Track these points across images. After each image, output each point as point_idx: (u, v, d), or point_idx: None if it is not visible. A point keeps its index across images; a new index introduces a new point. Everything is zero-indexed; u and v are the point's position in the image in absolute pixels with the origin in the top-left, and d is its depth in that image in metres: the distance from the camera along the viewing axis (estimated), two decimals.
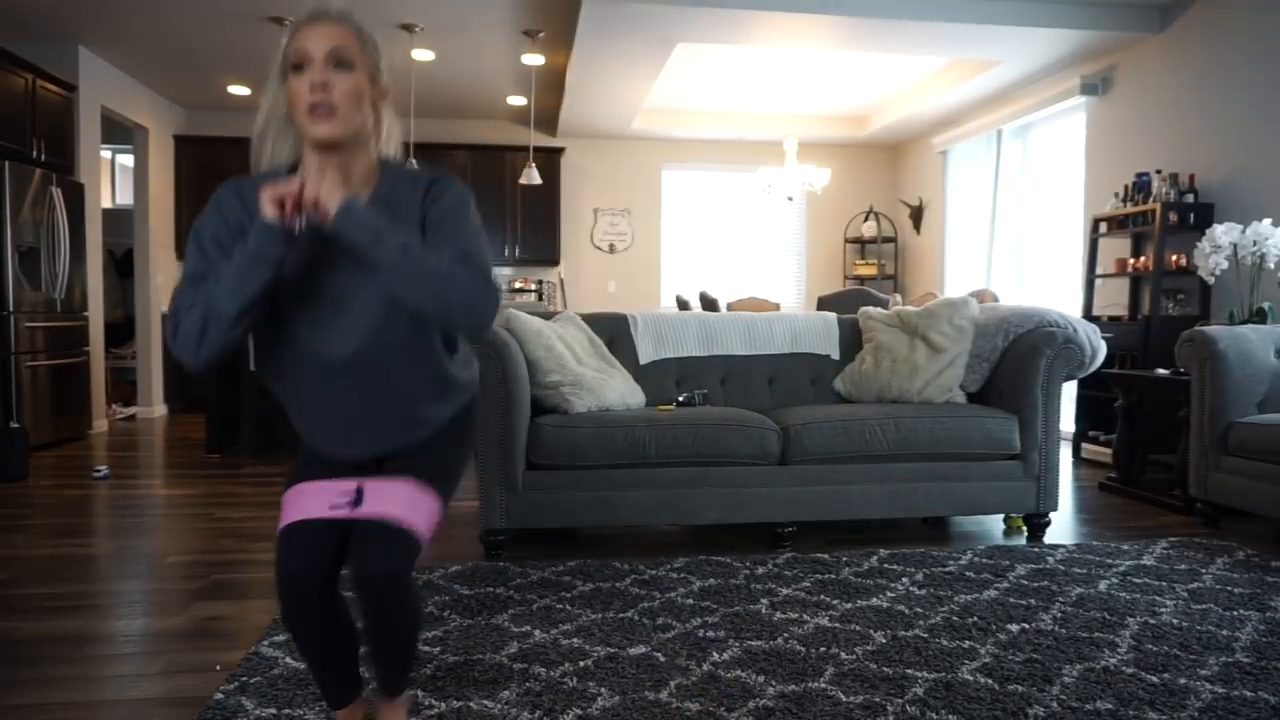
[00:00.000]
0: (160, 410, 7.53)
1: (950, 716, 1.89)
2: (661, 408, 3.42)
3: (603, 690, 2.02)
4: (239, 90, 7.49)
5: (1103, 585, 2.79)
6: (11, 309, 5.36)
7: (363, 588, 1.47)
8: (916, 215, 8.45)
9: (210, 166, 7.97)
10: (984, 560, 3.08)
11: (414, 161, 1.45)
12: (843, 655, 2.22)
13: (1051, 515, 3.50)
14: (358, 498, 1.49)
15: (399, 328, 1.47)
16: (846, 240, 8.87)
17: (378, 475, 1.55)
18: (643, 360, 3.69)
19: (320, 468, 1.59)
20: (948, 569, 2.97)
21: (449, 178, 1.55)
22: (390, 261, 1.35)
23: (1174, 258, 4.93)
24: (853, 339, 3.90)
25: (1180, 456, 3.88)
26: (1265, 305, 4.01)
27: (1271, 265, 4.00)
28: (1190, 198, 4.91)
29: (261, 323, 1.47)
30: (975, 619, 2.49)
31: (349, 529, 1.52)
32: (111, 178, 8.64)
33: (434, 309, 1.39)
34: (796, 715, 1.90)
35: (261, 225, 1.35)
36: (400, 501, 1.50)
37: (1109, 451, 4.86)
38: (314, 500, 1.51)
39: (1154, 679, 2.08)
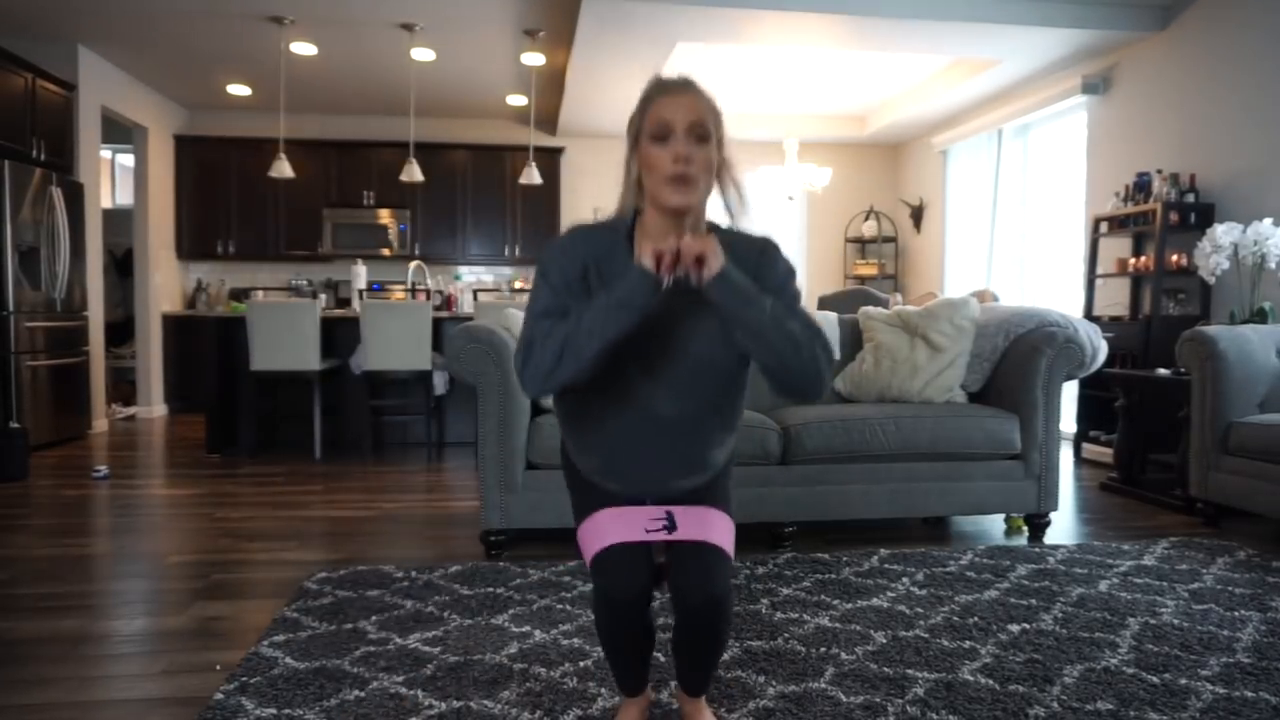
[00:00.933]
0: (160, 410, 7.53)
1: (951, 717, 1.89)
2: None
3: (603, 690, 2.01)
4: (239, 90, 7.49)
5: (1103, 585, 2.79)
6: (11, 309, 5.36)
7: (691, 609, 1.62)
8: (917, 215, 8.45)
9: (210, 166, 7.98)
10: (984, 560, 3.08)
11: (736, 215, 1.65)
12: (843, 655, 2.22)
13: (1052, 515, 3.50)
14: (670, 522, 1.62)
15: (721, 382, 1.61)
16: (847, 240, 8.87)
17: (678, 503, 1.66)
18: None
19: (602, 497, 1.68)
20: (948, 569, 2.97)
21: (777, 244, 1.65)
22: (759, 325, 1.47)
23: (1174, 257, 4.93)
24: (853, 339, 3.90)
25: (1181, 456, 3.88)
26: (1266, 305, 4.00)
27: (1272, 265, 3.99)
28: (1191, 197, 4.91)
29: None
30: (976, 619, 2.49)
31: (648, 548, 1.66)
32: (111, 178, 8.64)
33: (784, 371, 1.50)
34: (796, 715, 1.89)
35: (639, 273, 1.43)
36: (712, 526, 1.64)
37: (1110, 451, 4.85)
38: (625, 526, 1.63)
39: (1155, 679, 2.08)
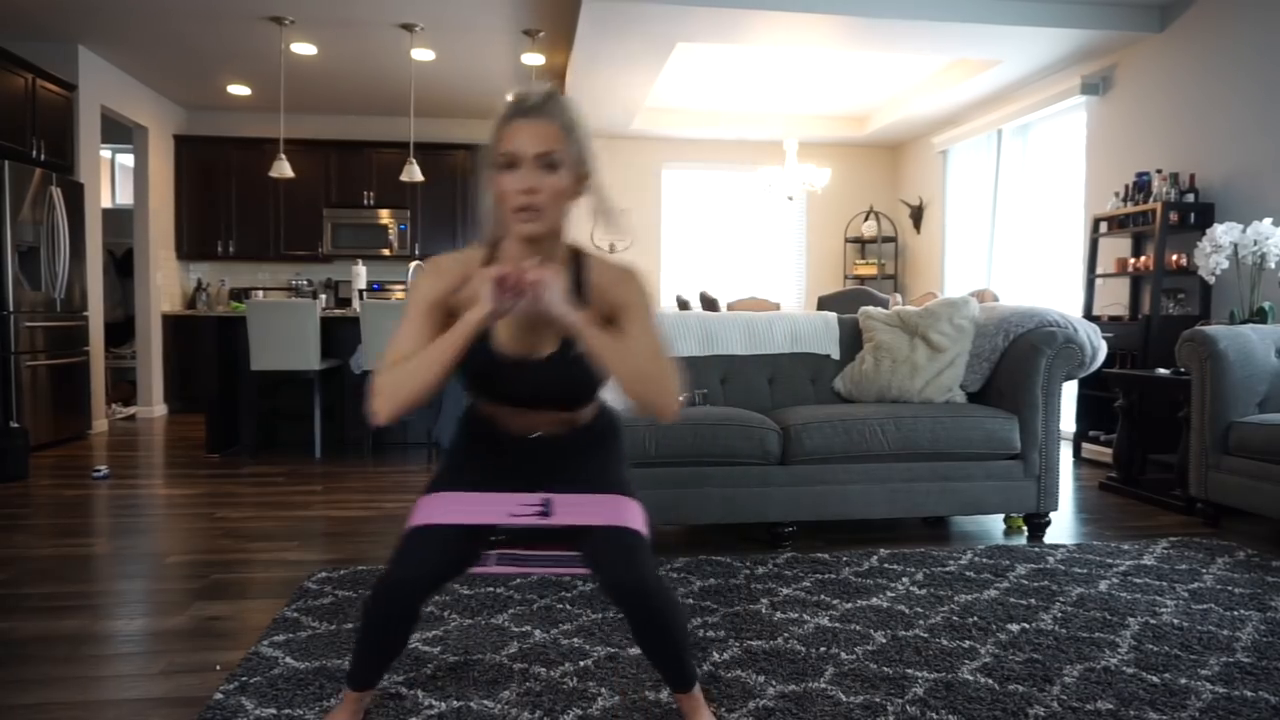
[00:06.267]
0: (160, 410, 7.53)
1: (950, 716, 1.89)
2: None
3: (603, 690, 2.01)
4: (239, 90, 7.49)
5: (1103, 585, 2.79)
6: (11, 309, 5.36)
7: (622, 600, 1.57)
8: (916, 215, 8.45)
9: (210, 166, 7.98)
10: (984, 560, 3.08)
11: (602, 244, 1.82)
12: (843, 655, 2.22)
13: (1052, 515, 3.50)
14: (546, 508, 1.59)
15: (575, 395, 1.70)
16: (846, 240, 8.87)
17: (558, 488, 1.65)
18: None
19: (472, 478, 1.68)
20: (948, 569, 2.97)
21: (636, 272, 1.68)
22: (604, 350, 1.53)
23: (1174, 257, 4.93)
24: (853, 339, 3.90)
25: (1180, 456, 3.88)
26: (1265, 305, 4.00)
27: (1272, 265, 3.99)
28: (1190, 197, 4.91)
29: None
30: (975, 619, 2.49)
31: (478, 539, 1.65)
32: (111, 178, 8.64)
33: (633, 395, 1.55)
34: (796, 715, 1.90)
35: (471, 315, 1.50)
36: (608, 510, 1.60)
37: (1109, 451, 4.85)
38: (481, 509, 1.61)
39: (1154, 679, 2.08)
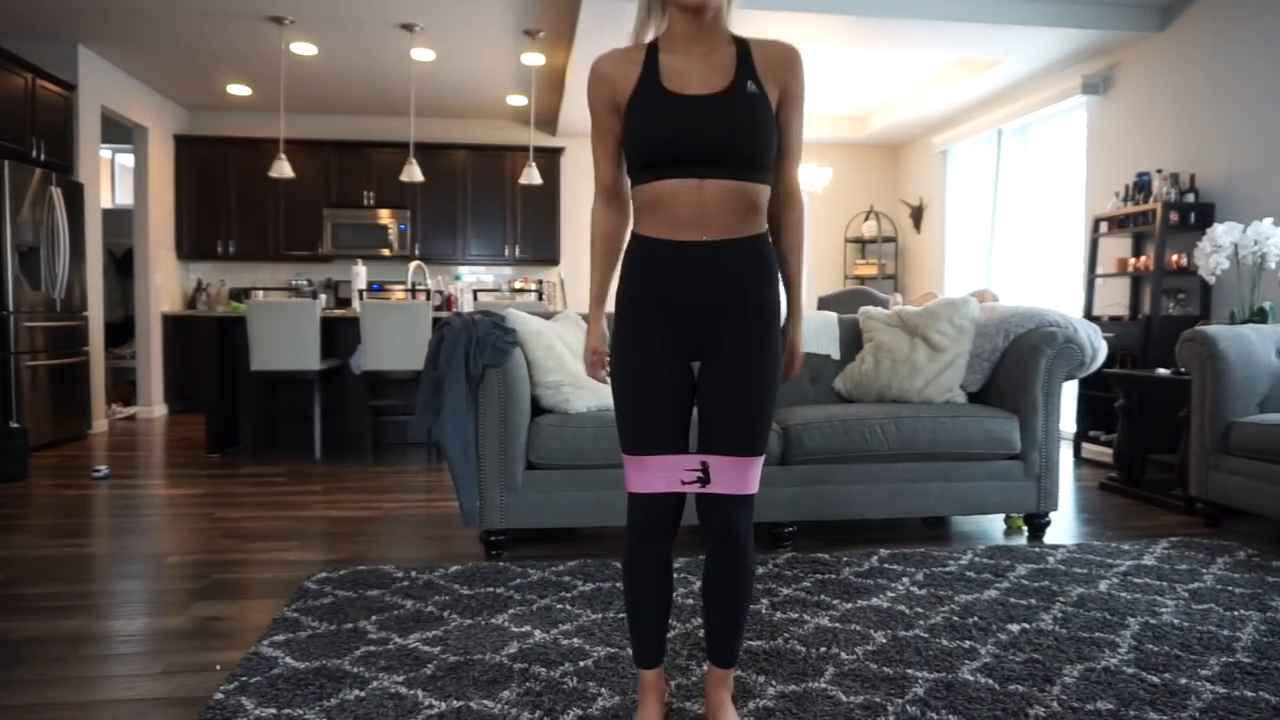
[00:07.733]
0: (160, 410, 7.53)
1: (950, 716, 1.89)
2: None
3: (603, 690, 2.01)
4: (239, 90, 7.49)
5: (1103, 585, 2.79)
6: (11, 309, 5.36)
7: (716, 537, 1.75)
8: (916, 215, 8.45)
9: (210, 166, 7.98)
10: (984, 560, 3.08)
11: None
12: (843, 655, 2.22)
13: (1052, 515, 3.50)
14: (704, 474, 1.71)
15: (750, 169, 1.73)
16: (847, 240, 8.87)
17: (714, 451, 1.72)
18: None
19: (649, 421, 1.72)
20: (948, 569, 2.97)
21: (799, 53, 1.75)
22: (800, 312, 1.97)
23: (1174, 257, 4.93)
24: (853, 339, 3.90)
25: (1181, 456, 3.88)
26: (1266, 305, 4.00)
27: (1272, 265, 3.99)
28: (1191, 197, 4.91)
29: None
30: (975, 619, 2.49)
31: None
32: (111, 178, 8.64)
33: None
34: (796, 715, 1.89)
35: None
36: (740, 477, 1.72)
37: (1109, 451, 4.86)
38: (665, 475, 1.72)
39: (1155, 679, 2.08)
